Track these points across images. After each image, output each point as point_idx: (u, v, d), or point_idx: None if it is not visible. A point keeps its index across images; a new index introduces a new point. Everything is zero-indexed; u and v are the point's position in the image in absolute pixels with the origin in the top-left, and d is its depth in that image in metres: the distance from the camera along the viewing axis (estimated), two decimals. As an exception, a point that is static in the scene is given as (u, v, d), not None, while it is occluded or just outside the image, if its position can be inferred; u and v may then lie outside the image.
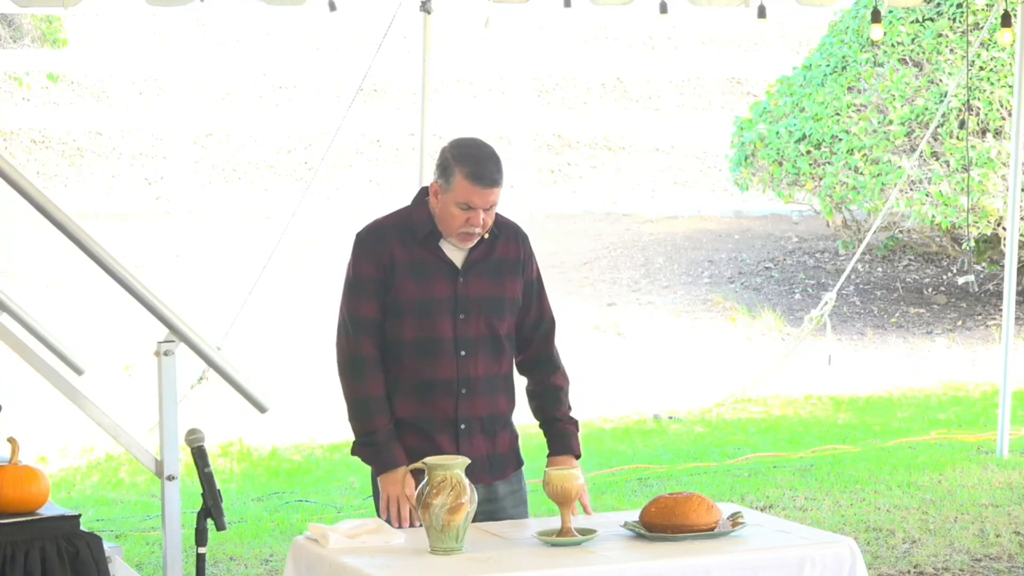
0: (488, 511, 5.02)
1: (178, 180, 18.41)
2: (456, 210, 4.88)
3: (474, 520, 4.88)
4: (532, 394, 5.16)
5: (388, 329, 4.99)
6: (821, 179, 14.60)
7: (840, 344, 13.75)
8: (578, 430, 5.15)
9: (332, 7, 8.41)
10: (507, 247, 5.05)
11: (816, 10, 10.04)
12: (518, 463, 5.14)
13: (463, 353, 4.98)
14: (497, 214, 4.99)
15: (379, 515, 4.90)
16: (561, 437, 5.10)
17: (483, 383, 5.02)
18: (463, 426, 5.00)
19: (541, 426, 5.14)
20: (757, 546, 4.58)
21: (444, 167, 4.89)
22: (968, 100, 13.57)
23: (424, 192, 5.03)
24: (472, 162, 4.85)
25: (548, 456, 5.10)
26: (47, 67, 18.55)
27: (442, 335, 4.96)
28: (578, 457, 5.10)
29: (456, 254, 4.99)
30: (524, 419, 5.17)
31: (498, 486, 5.04)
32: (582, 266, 16.50)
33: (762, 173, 15.07)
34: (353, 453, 5.02)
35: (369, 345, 4.98)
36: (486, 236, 4.99)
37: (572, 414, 5.15)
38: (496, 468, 4.93)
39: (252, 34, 20.34)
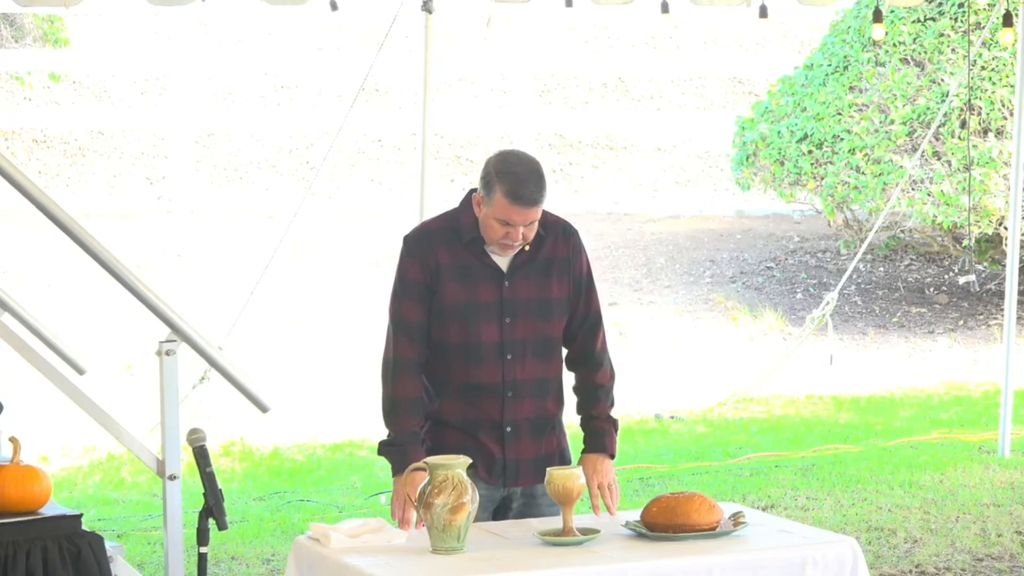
0: (524, 509, 5.03)
1: (180, 180, 18.41)
2: (495, 224, 4.87)
3: (510, 518, 4.89)
4: (575, 391, 5.15)
5: (434, 332, 4.98)
6: (823, 179, 14.60)
7: (842, 344, 13.75)
8: (616, 430, 5.11)
9: (334, 7, 8.40)
10: (555, 246, 5.04)
11: (817, 10, 10.04)
12: (563, 463, 5.09)
13: (509, 356, 4.97)
14: (545, 212, 4.96)
15: (393, 516, 4.91)
16: (595, 435, 5.08)
17: (530, 386, 5.01)
18: (509, 428, 5.00)
19: (580, 424, 5.13)
20: (759, 546, 4.58)
21: (486, 181, 4.87)
22: (970, 100, 13.57)
23: (471, 194, 5.01)
24: (513, 180, 4.82)
25: (582, 453, 5.08)
26: (49, 67, 18.56)
27: (488, 339, 4.95)
28: (612, 457, 5.07)
29: (502, 257, 4.98)
30: (573, 417, 5.16)
31: (537, 486, 5.00)
32: (584, 266, 16.49)
33: (764, 173, 15.07)
34: (378, 453, 5.03)
35: (407, 347, 4.97)
36: (527, 248, 4.98)
37: (612, 413, 5.12)
38: (541, 470, 4.86)
39: (254, 34, 20.35)
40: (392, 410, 4.97)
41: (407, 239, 5.06)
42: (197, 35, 20.06)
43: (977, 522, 8.32)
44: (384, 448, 4.99)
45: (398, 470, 4.90)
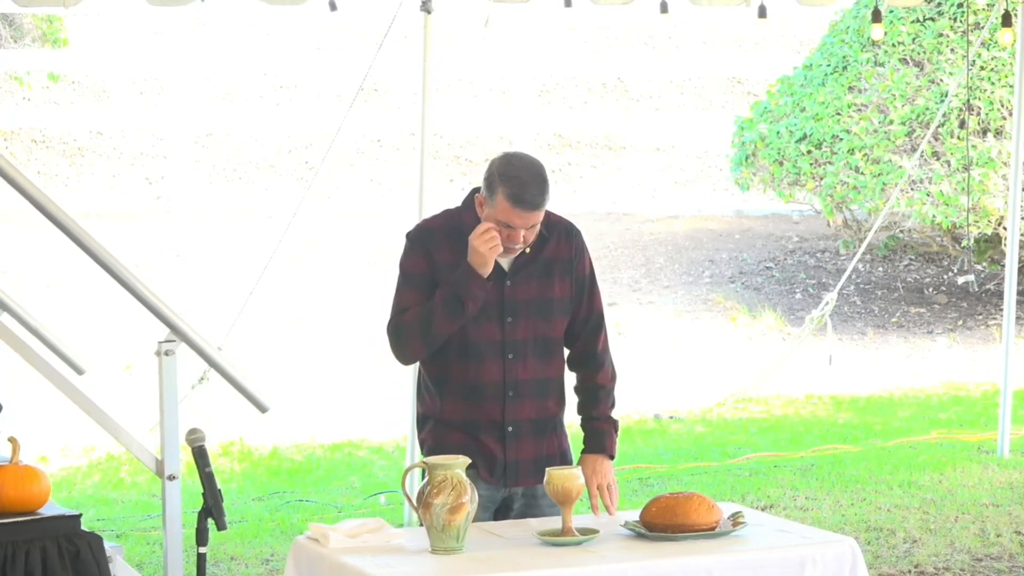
0: (525, 510, 5.03)
1: (179, 180, 18.41)
2: (497, 225, 4.88)
3: (511, 519, 4.89)
4: (576, 391, 5.15)
5: None
6: (822, 179, 14.60)
7: (841, 344, 13.75)
8: (616, 431, 5.11)
9: (333, 7, 8.40)
10: (558, 246, 5.04)
11: (817, 10, 10.04)
12: (564, 463, 5.08)
13: (511, 356, 4.97)
14: (548, 212, 4.96)
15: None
16: (595, 436, 5.08)
17: (531, 386, 5.01)
18: (510, 428, 4.99)
19: (580, 424, 5.13)
20: (758, 546, 4.58)
21: (489, 182, 4.86)
22: (969, 100, 13.57)
23: (473, 194, 5.01)
24: (516, 183, 4.82)
25: (581, 453, 5.08)
26: (48, 67, 18.55)
27: (489, 339, 4.95)
28: (612, 458, 5.07)
29: (503, 257, 4.97)
30: (574, 417, 5.15)
31: (538, 486, 4.98)
32: (583, 266, 16.48)
33: (763, 173, 15.07)
34: (450, 318, 4.90)
35: None
36: (527, 251, 4.97)
37: (613, 414, 5.12)
38: (542, 470, 4.83)
39: (253, 34, 20.35)
40: (422, 319, 4.90)
41: (409, 235, 5.06)
42: (196, 35, 20.06)
43: (976, 522, 8.32)
44: (457, 308, 4.89)
45: (469, 277, 4.84)
